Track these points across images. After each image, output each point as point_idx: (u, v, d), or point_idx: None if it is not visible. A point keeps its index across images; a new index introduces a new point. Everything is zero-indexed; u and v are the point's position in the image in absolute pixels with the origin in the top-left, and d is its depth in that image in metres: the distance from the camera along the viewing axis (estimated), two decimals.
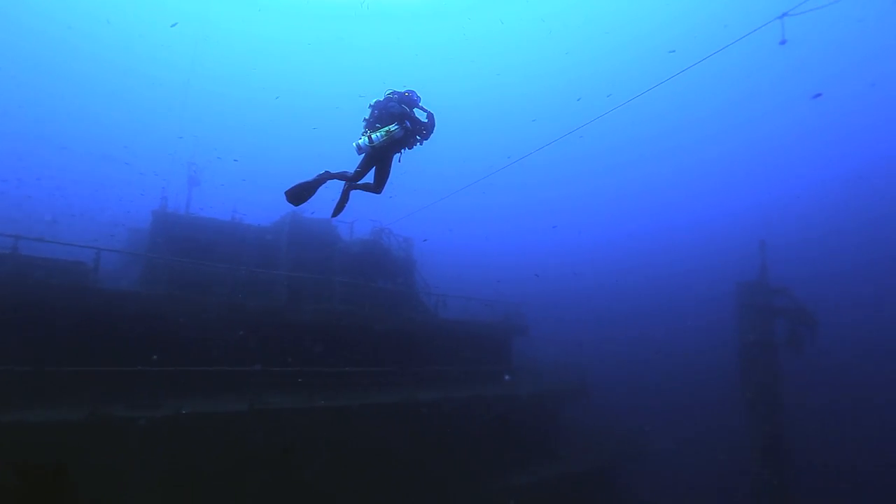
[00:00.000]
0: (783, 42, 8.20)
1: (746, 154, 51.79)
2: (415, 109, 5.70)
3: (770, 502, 14.56)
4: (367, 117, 5.71)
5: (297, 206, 5.45)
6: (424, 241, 19.89)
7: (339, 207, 5.73)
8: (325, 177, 5.35)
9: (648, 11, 51.85)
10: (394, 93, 5.74)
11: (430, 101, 6.19)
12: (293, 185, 5.22)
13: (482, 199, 46.75)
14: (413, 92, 5.80)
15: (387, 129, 5.39)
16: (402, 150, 5.75)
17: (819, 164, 47.92)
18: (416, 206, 17.73)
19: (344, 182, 5.66)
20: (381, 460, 11.68)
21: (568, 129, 12.59)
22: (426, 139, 5.79)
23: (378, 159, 5.66)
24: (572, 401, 18.64)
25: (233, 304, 12.33)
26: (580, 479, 15.72)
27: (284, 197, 5.25)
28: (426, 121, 5.71)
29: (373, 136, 5.38)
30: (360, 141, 5.45)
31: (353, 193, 5.90)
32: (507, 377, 16.55)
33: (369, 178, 5.80)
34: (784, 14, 7.94)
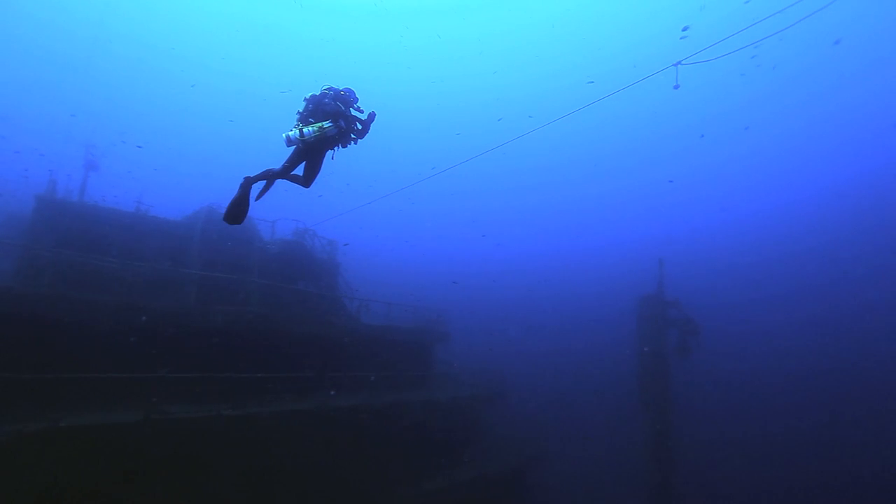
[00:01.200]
0: (676, 87, 9.01)
1: (654, 187, 56.48)
2: (351, 108, 5.51)
3: (657, 497, 15.94)
4: (300, 111, 5.44)
5: (240, 223, 5.11)
6: (345, 245, 19.37)
7: (263, 192, 5.40)
8: (249, 183, 5.02)
9: (572, 48, 55.29)
10: (330, 89, 5.52)
11: (365, 102, 6.02)
12: (226, 207, 4.91)
13: (410, 204, 46.81)
14: (351, 91, 5.60)
15: (320, 125, 5.16)
16: (336, 149, 5.54)
17: (709, 204, 53.79)
18: (343, 207, 17.23)
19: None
20: (293, 470, 11.04)
21: (490, 144, 12.98)
22: (361, 138, 5.62)
23: (309, 154, 5.40)
24: (489, 406, 19.04)
25: (130, 304, 11.02)
26: (491, 482, 16.05)
27: (225, 222, 4.94)
28: (364, 120, 5.54)
29: (304, 129, 5.13)
30: (290, 133, 5.16)
31: (283, 190, 5.61)
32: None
33: (298, 171, 5.54)
34: (678, 62, 8.72)
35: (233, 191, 5.03)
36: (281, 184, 5.71)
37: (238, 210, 4.92)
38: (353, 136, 5.54)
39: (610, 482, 22.15)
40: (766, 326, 34.60)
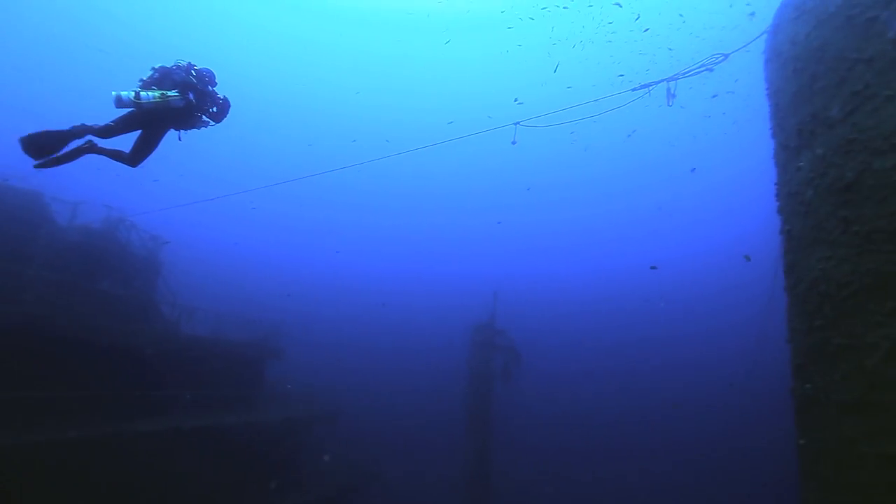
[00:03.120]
0: (514, 143, 10.08)
1: (489, 229, 61.27)
2: (207, 88, 4.95)
3: None
4: (144, 78, 4.69)
5: (36, 158, 4.04)
6: (166, 243, 16.84)
7: (56, 157, 4.32)
8: (82, 131, 4.14)
9: (440, 88, 58.45)
10: (188, 64, 4.90)
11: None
12: (32, 133, 3.87)
13: (252, 209, 43.10)
14: (210, 71, 5.04)
15: (163, 92, 4.49)
16: (185, 129, 4.91)
17: (535, 253, 60.95)
18: (179, 199, 14.98)
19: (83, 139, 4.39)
20: None
21: (345, 160, 12.90)
22: (216, 122, 5.08)
23: (146, 125, 4.66)
24: (322, 427, 18.16)
25: None
26: None
27: (21, 144, 3.85)
28: (219, 103, 5.02)
29: (142, 93, 4.40)
30: (122, 92, 4.36)
31: (97, 168, 4.70)
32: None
33: (125, 146, 4.71)
34: (517, 122, 9.81)
35: (11, 156, 4.07)
36: (98, 159, 4.77)
37: (46, 142, 3.95)
38: (205, 119, 4.97)
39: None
40: (573, 373, 39.88)
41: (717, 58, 5.81)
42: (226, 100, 5.10)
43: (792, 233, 3.65)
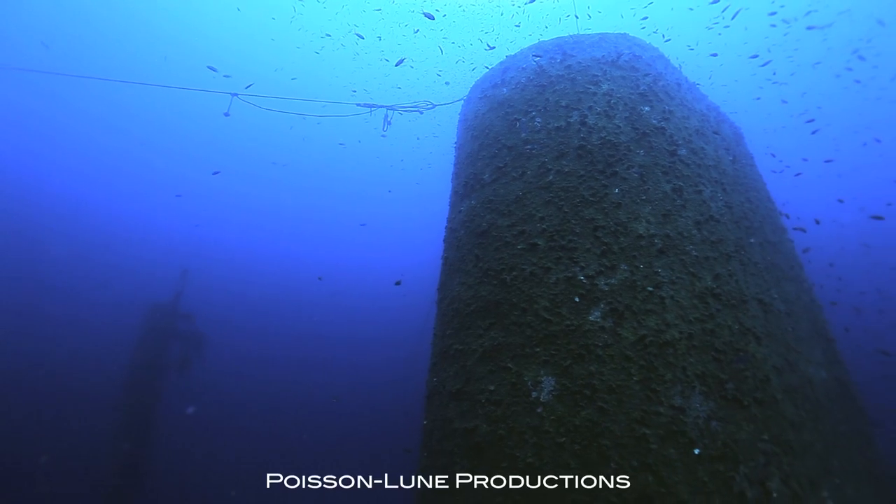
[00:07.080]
0: (227, 114, 9.28)
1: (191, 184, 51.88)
2: None
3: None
4: None
5: None
6: None
7: None
8: None
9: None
10: None
11: None
12: None
13: None
14: None
15: None
16: None
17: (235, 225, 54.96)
18: None
19: None
20: None
21: None
22: None
23: None
24: None
25: None
26: None
27: None
28: None
29: None
30: None
31: None
32: None
33: None
34: (235, 94, 8.92)
35: None
36: None
37: None
38: None
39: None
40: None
41: (427, 104, 6.80)
42: None
43: (447, 260, 4.58)
